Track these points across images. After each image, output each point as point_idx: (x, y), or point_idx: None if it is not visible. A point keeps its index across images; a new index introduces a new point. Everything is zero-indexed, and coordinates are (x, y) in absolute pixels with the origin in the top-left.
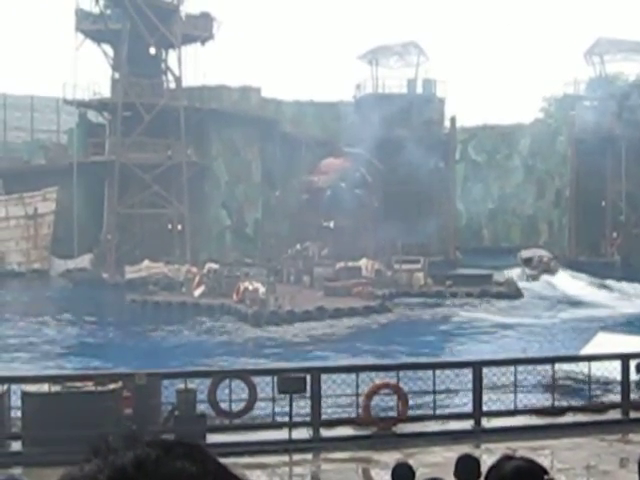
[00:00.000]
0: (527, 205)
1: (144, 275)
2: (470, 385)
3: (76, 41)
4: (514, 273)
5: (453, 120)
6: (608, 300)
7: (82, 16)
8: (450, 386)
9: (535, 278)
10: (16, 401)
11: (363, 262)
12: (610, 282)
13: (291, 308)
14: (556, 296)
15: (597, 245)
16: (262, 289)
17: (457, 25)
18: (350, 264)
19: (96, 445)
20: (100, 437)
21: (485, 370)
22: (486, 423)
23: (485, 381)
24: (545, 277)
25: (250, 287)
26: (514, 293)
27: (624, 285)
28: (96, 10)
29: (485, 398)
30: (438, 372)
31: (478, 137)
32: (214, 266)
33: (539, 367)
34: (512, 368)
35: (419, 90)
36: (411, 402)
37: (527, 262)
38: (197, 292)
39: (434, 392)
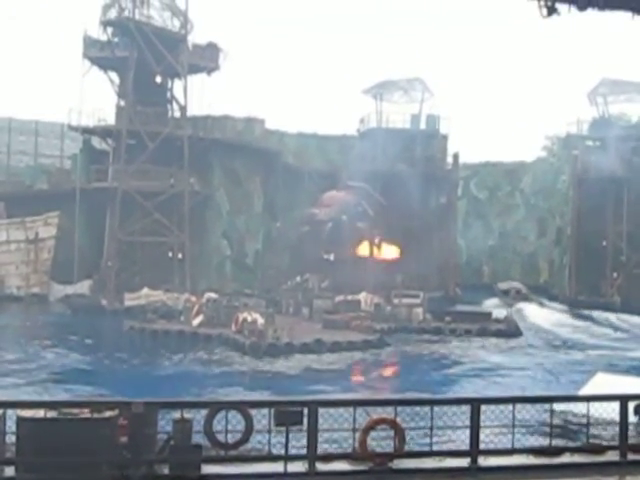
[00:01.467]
0: (528, 243)
1: (143, 303)
2: (468, 422)
3: (83, 68)
4: (491, 303)
5: (456, 156)
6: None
7: (89, 43)
8: (448, 423)
9: (511, 306)
10: (11, 426)
11: (362, 296)
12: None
13: (289, 340)
14: (554, 335)
15: (597, 285)
16: (261, 320)
17: (462, 62)
18: (349, 297)
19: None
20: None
21: (483, 407)
22: (483, 461)
23: (482, 418)
24: (518, 306)
25: (249, 318)
26: (513, 331)
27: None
28: (104, 38)
29: (482, 436)
30: (436, 408)
31: (480, 174)
32: (213, 296)
33: (537, 406)
34: (510, 406)
35: (423, 126)
36: (408, 438)
37: (505, 293)
38: (196, 321)
39: (431, 428)
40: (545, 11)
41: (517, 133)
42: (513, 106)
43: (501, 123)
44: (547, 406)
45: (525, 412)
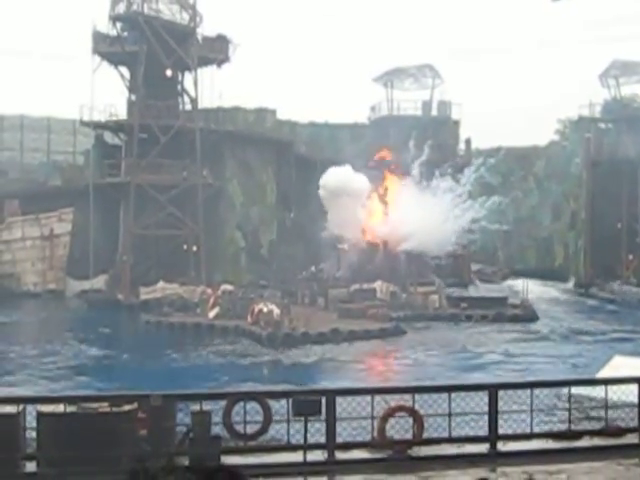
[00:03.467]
0: (542, 227)
1: (159, 296)
2: (486, 408)
3: (93, 63)
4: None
5: (468, 142)
6: None
7: (99, 38)
8: (466, 409)
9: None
10: (31, 422)
11: (378, 284)
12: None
13: (305, 330)
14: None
15: (613, 268)
16: (277, 311)
17: (472, 46)
18: (365, 286)
19: (134, 471)
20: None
21: (501, 393)
22: (502, 447)
23: (501, 404)
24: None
25: (265, 309)
26: (530, 316)
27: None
28: (113, 33)
29: (501, 421)
30: (454, 395)
31: (493, 159)
32: (229, 287)
33: (555, 390)
34: (528, 391)
35: (434, 112)
36: (427, 425)
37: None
38: (212, 313)
39: (449, 415)
40: None
41: (529, 117)
42: (525, 89)
43: (513, 108)
44: (565, 390)
45: (543, 396)
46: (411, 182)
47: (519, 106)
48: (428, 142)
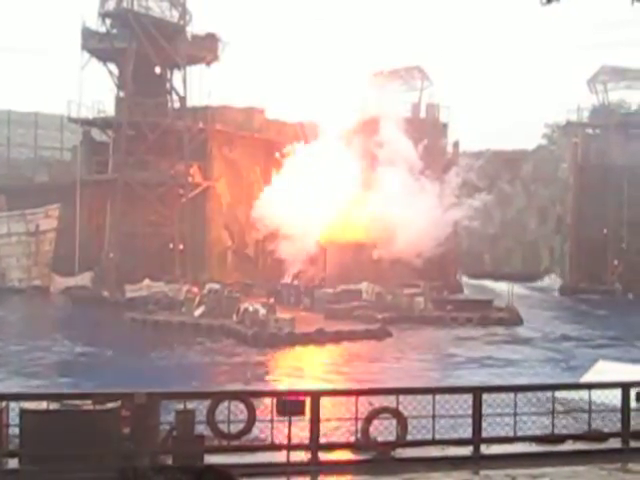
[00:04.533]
0: (529, 231)
1: (145, 294)
2: (470, 411)
3: (82, 60)
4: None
5: (456, 145)
6: None
7: (88, 35)
8: (450, 411)
9: None
10: (14, 418)
11: (364, 285)
12: None
13: (291, 330)
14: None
15: (598, 272)
16: (262, 310)
17: (461, 50)
18: (351, 287)
19: (124, 471)
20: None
21: (485, 396)
22: (485, 449)
23: (484, 406)
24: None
25: (250, 308)
26: (515, 319)
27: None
28: (102, 29)
29: (485, 424)
30: (438, 397)
31: (480, 162)
32: (215, 286)
33: (539, 394)
34: (512, 394)
35: (422, 114)
36: (410, 427)
37: None
38: (197, 312)
39: (433, 417)
40: None
41: (517, 121)
42: (513, 93)
43: (501, 111)
44: (549, 394)
45: (526, 400)
46: (397, 179)
47: (507, 109)
48: (422, 142)
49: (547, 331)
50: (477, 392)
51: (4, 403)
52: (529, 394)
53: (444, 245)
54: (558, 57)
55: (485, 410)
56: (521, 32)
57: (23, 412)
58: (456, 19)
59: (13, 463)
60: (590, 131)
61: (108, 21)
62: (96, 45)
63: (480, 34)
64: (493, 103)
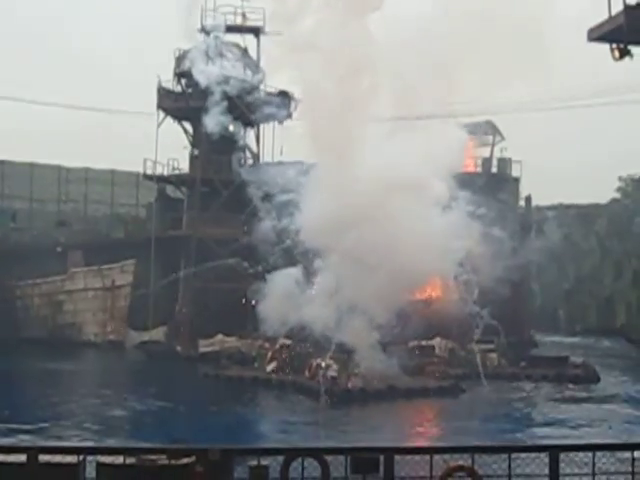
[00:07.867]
0: (604, 286)
1: (217, 349)
2: (547, 470)
3: (157, 118)
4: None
5: (528, 199)
6: None
7: (164, 94)
8: (526, 470)
9: None
10: (91, 472)
11: (436, 341)
12: None
13: (363, 387)
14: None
15: None
16: (334, 366)
17: (532, 103)
18: (423, 342)
19: None
20: None
21: (562, 455)
22: None
23: (562, 466)
24: None
25: (322, 364)
26: (591, 377)
27: None
28: (178, 89)
29: None
30: (514, 455)
31: (553, 217)
32: (287, 342)
33: (618, 454)
34: (590, 454)
35: (494, 169)
36: None
37: None
38: (269, 367)
39: (509, 476)
40: (617, 53)
41: (590, 174)
42: (586, 146)
43: (573, 164)
44: (628, 454)
45: (605, 460)
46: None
47: (579, 162)
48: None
49: (625, 388)
50: (554, 451)
51: (81, 457)
52: (608, 453)
53: (517, 300)
54: (634, 108)
55: (562, 469)
56: (594, 81)
57: (100, 466)
58: (523, 72)
59: None
60: None
61: (183, 80)
62: (171, 104)
63: (552, 82)
64: (565, 155)
